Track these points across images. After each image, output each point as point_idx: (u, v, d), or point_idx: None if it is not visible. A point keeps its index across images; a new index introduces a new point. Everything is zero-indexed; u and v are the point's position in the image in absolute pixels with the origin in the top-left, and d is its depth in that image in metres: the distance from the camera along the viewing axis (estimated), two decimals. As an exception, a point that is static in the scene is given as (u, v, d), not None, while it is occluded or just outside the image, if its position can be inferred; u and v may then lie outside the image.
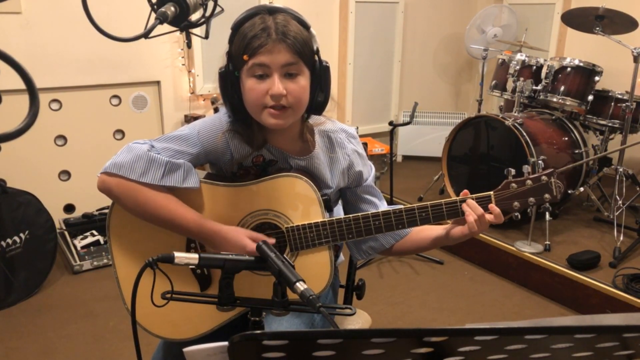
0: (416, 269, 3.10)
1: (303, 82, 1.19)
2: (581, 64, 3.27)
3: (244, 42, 1.16)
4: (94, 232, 3.18)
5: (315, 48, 1.21)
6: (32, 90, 0.58)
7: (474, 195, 1.26)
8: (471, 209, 1.22)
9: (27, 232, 2.66)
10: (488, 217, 1.22)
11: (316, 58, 1.22)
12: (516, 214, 1.29)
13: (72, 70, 3.14)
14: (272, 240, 1.23)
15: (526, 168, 1.31)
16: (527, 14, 4.43)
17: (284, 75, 1.17)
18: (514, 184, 1.26)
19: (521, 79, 3.37)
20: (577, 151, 3.25)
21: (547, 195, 1.27)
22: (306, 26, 1.20)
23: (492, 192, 1.26)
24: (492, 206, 1.23)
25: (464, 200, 1.24)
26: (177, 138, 1.24)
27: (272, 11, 1.18)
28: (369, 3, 4.18)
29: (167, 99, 3.51)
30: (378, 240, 1.38)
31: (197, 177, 1.24)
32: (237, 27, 1.19)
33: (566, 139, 3.28)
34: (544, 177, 1.26)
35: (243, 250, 1.18)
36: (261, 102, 1.19)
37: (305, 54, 1.18)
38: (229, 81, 1.21)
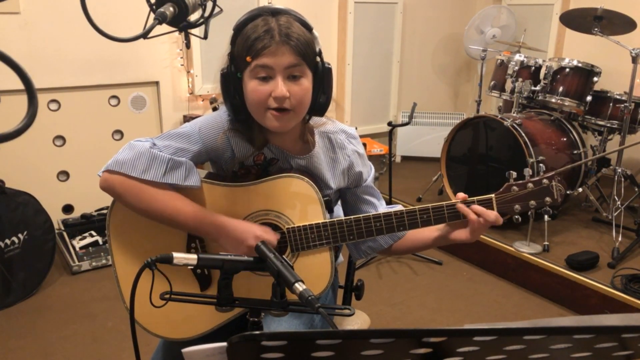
0: (415, 269, 3.10)
1: (306, 84, 1.19)
2: (580, 65, 3.27)
3: (247, 44, 1.15)
4: (93, 232, 3.17)
5: (317, 50, 1.21)
6: (30, 91, 0.58)
7: (475, 198, 1.26)
8: (473, 213, 1.23)
9: (25, 233, 2.66)
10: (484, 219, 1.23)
11: (318, 60, 1.21)
12: (517, 216, 1.29)
13: (70, 71, 3.13)
14: (277, 237, 1.23)
15: (527, 171, 1.31)
16: (525, 14, 4.43)
17: (287, 77, 1.17)
18: (515, 187, 1.26)
19: (520, 79, 3.37)
20: (575, 152, 3.26)
21: (548, 199, 1.26)
22: (309, 28, 1.20)
23: (493, 195, 1.26)
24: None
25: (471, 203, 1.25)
26: (179, 135, 1.24)
27: (275, 13, 1.18)
28: (367, 3, 4.18)
29: (165, 99, 3.51)
30: (377, 241, 1.39)
31: (198, 176, 1.24)
32: (239, 29, 1.18)
33: (565, 139, 3.28)
34: (545, 181, 1.26)
35: (242, 244, 1.18)
36: (264, 104, 1.18)
37: (308, 55, 1.18)
38: (231, 82, 1.21)
